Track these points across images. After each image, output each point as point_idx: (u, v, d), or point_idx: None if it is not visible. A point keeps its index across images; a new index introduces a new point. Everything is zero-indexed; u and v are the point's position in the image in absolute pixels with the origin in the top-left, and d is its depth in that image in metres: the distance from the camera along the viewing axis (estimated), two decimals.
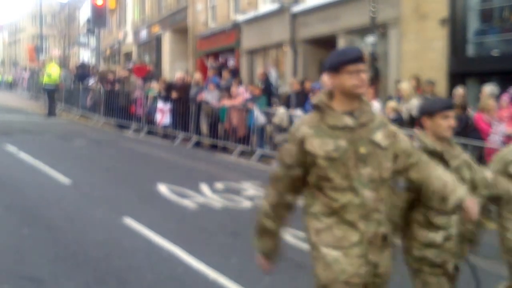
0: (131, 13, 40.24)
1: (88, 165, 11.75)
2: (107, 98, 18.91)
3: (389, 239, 3.06)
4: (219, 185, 9.81)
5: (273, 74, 17.07)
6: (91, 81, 22.04)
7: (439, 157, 3.60)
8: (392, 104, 10.96)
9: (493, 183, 3.92)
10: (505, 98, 10.13)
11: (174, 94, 15.90)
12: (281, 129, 13.24)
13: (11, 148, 12.60)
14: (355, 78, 2.91)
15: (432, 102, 3.84)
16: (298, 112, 13.07)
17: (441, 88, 12.96)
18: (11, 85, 45.66)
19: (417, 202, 3.59)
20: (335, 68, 2.95)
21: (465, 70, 13.69)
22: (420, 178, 3.18)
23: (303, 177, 3.06)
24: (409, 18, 14.78)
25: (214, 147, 14.75)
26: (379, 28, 14.87)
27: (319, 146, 2.91)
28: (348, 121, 2.94)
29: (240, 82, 15.19)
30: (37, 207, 7.97)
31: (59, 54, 55.91)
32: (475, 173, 3.71)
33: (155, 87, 17.45)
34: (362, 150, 2.93)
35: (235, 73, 18.56)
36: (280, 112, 13.24)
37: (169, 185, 9.52)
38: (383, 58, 15.49)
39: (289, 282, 5.62)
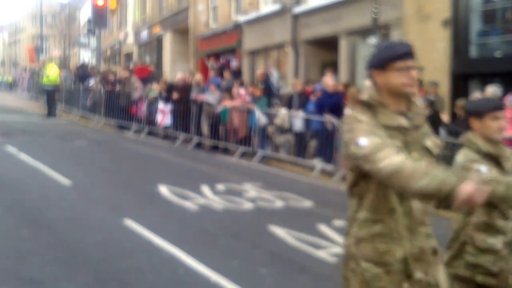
0: (132, 14, 40.24)
1: (89, 166, 11.69)
2: (107, 98, 18.86)
3: (439, 253, 2.80)
4: (220, 187, 9.75)
5: (274, 75, 17.01)
6: (92, 82, 21.98)
7: (494, 160, 3.40)
8: None
9: None
10: (508, 99, 10.07)
11: (175, 95, 15.84)
12: (282, 130, 13.20)
13: (11, 149, 12.54)
14: (404, 75, 2.66)
15: (481, 102, 3.65)
16: (300, 113, 13.01)
17: (444, 89, 12.90)
18: (11, 86, 45.64)
19: None
20: (382, 64, 2.71)
21: (467, 71, 13.64)
22: None
23: (355, 180, 2.78)
24: (411, 19, 14.72)
25: (215, 148, 14.70)
26: (381, 29, 14.80)
27: None
28: (403, 121, 2.69)
29: (242, 84, 15.11)
30: (37, 208, 7.92)
31: (59, 55, 55.87)
32: None
33: (155, 87, 17.39)
34: (415, 155, 2.67)
35: (237, 74, 18.49)
36: (282, 113, 13.18)
37: (170, 186, 9.47)
38: None
39: (291, 284, 5.58)
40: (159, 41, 33.79)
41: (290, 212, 8.49)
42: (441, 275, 2.75)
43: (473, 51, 13.85)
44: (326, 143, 11.85)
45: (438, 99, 11.46)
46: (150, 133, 16.96)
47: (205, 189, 9.47)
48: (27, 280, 5.26)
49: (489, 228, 3.35)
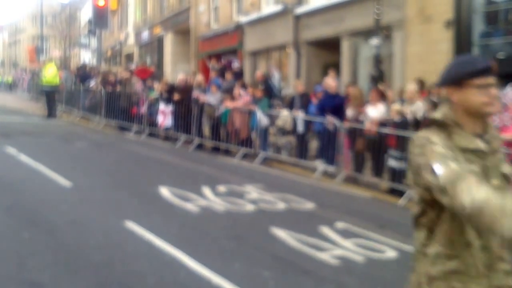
0: (133, 14, 40.24)
1: (89, 168, 11.65)
2: (108, 99, 18.81)
3: None
4: (221, 188, 9.70)
5: (276, 76, 16.96)
6: (92, 83, 21.94)
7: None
8: (396, 106, 10.85)
9: None
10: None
11: (176, 96, 15.79)
12: (284, 131, 13.14)
13: (11, 150, 12.49)
14: (484, 94, 2.39)
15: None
16: (301, 114, 12.96)
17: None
18: (11, 86, 45.65)
19: None
20: (458, 81, 2.44)
21: None
22: None
23: (422, 209, 2.49)
24: (414, 20, 14.69)
25: (216, 149, 14.65)
26: (383, 30, 14.79)
27: None
28: (481, 144, 2.43)
29: (243, 85, 15.05)
30: (38, 210, 7.87)
31: (60, 55, 55.84)
32: None
33: (156, 88, 17.34)
34: (495, 182, 2.41)
35: (239, 75, 18.45)
36: (284, 114, 13.13)
37: (171, 188, 9.42)
38: (387, 61, 15.41)
39: (294, 287, 5.56)
40: (160, 41, 33.79)
41: (292, 214, 8.45)
42: None
43: (476, 53, 13.79)
44: (328, 145, 11.80)
45: (442, 101, 11.39)
46: (151, 134, 16.91)
47: (206, 190, 9.42)
48: (27, 283, 5.22)
49: None
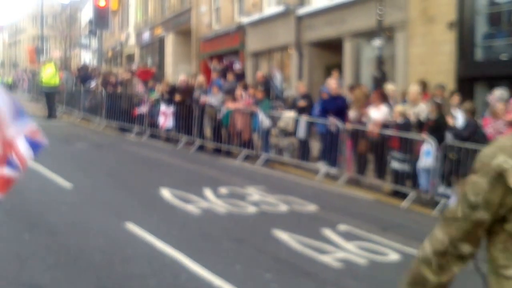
0: (134, 15, 40.21)
1: (90, 169, 11.62)
2: (109, 100, 18.76)
3: None
4: (223, 190, 9.66)
5: (278, 77, 16.92)
6: (93, 83, 21.89)
7: None
8: (399, 108, 10.79)
9: None
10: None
11: (177, 97, 15.73)
12: (286, 133, 13.09)
13: None
14: None
15: None
16: (304, 116, 12.88)
17: (449, 93, 12.77)
18: (11, 87, 45.56)
19: None
20: None
21: (473, 74, 13.55)
22: None
23: (490, 225, 2.15)
24: (417, 21, 14.64)
25: (217, 151, 14.59)
26: (386, 31, 14.73)
27: None
28: None
29: (245, 86, 14.99)
30: (38, 212, 7.85)
31: (60, 56, 55.79)
32: None
33: (157, 89, 17.29)
34: None
35: (240, 76, 18.40)
36: (287, 116, 13.08)
37: (172, 189, 9.37)
38: (390, 62, 15.35)
39: None
40: (161, 42, 33.76)
41: (294, 216, 8.41)
42: None
43: (479, 54, 13.77)
44: (331, 146, 11.74)
45: (445, 102, 11.35)
46: (152, 136, 16.85)
47: (208, 192, 9.38)
48: (27, 285, 5.20)
49: None
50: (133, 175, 11.27)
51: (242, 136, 13.76)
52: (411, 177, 10.24)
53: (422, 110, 10.61)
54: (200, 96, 15.22)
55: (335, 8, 17.70)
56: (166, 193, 9.18)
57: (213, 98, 14.84)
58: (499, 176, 2.01)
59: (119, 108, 18.13)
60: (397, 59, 15.43)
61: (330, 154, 11.81)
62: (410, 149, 10.14)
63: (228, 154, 14.18)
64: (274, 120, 13.36)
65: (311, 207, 8.97)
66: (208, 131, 15.14)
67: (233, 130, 14.06)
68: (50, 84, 20.87)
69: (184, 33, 30.16)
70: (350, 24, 17.02)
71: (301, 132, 12.71)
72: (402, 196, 10.01)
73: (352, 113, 11.66)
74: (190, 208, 8.39)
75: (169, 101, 16.05)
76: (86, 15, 49.09)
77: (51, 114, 20.60)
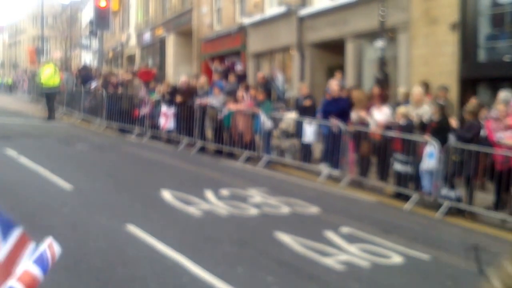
0: (135, 15, 40.20)
1: (90, 170, 11.56)
2: (109, 101, 18.71)
3: None
4: (224, 192, 9.61)
5: (279, 78, 16.87)
6: (94, 84, 21.84)
7: None
8: (402, 109, 10.73)
9: None
10: None
11: (178, 98, 15.67)
12: (288, 134, 13.03)
13: (11, 152, 12.39)
14: None
15: None
16: (308, 119, 12.82)
17: (452, 94, 12.74)
18: (11, 88, 45.59)
19: None
20: None
21: (476, 75, 13.50)
22: None
23: None
24: (419, 22, 14.59)
25: (219, 152, 14.53)
26: (388, 32, 14.69)
27: None
28: None
29: (247, 87, 14.93)
30: (38, 214, 7.78)
31: (61, 56, 55.81)
32: None
33: (158, 90, 17.23)
34: None
35: (242, 78, 18.35)
36: (288, 117, 13.02)
37: (173, 191, 9.32)
38: (392, 63, 15.32)
39: None
40: (162, 43, 33.74)
41: (296, 218, 8.36)
42: None
43: (482, 55, 13.72)
44: (333, 148, 11.68)
45: (448, 104, 11.31)
46: (152, 137, 16.79)
47: (209, 194, 9.33)
48: None
49: None
50: (133, 177, 11.22)
51: (243, 137, 13.71)
52: (414, 179, 10.19)
53: (425, 111, 10.55)
54: (200, 99, 15.14)
55: (337, 9, 17.67)
56: (167, 195, 9.13)
57: (214, 100, 14.78)
58: None
59: (119, 109, 18.07)
60: (399, 60, 15.39)
61: (333, 155, 11.76)
62: (413, 151, 10.09)
63: (230, 155, 14.12)
64: (276, 121, 13.31)
65: (313, 209, 8.92)
66: (209, 133, 15.08)
67: (234, 131, 14.00)
68: (50, 84, 20.82)
69: (185, 34, 30.13)
70: (352, 25, 16.99)
71: (308, 136, 12.63)
72: (405, 198, 9.96)
73: (354, 115, 11.61)
74: (192, 210, 8.33)
75: (170, 102, 15.99)
76: (87, 15, 49.13)
77: (51, 115, 20.56)
